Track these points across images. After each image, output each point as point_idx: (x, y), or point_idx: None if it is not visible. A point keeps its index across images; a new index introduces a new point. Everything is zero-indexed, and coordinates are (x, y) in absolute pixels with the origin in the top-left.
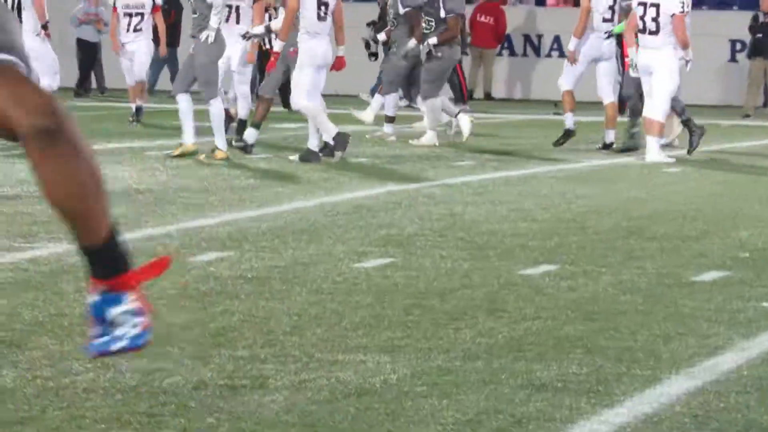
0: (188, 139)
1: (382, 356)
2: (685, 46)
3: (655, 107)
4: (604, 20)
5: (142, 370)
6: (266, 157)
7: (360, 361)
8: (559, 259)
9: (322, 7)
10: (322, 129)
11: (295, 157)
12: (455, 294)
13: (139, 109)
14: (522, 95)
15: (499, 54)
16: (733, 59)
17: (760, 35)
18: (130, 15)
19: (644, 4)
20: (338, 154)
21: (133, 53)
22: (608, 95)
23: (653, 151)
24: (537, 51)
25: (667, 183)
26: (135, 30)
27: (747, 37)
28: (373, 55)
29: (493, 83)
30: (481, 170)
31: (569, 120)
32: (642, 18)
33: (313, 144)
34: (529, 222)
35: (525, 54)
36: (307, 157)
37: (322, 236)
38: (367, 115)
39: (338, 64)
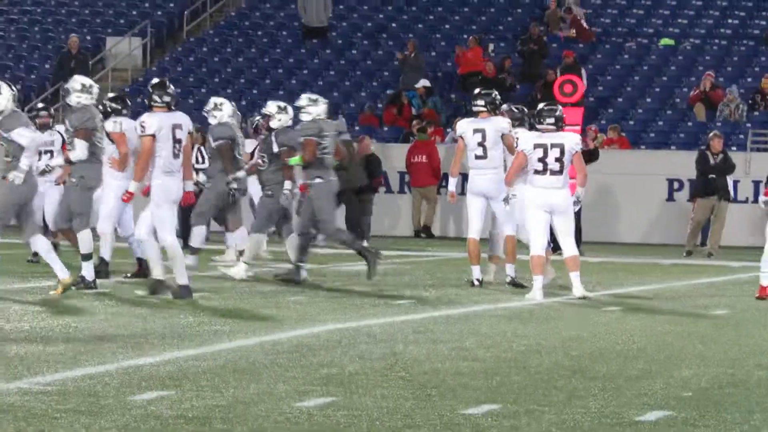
0: (62, 273)
1: None
2: (584, 182)
3: (571, 244)
4: (477, 157)
5: None
6: (204, 295)
7: None
8: (501, 399)
9: (176, 145)
10: (176, 271)
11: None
12: None
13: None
14: (456, 233)
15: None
16: (671, 198)
17: (712, 176)
18: (39, 153)
19: (543, 146)
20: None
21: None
22: (506, 229)
23: (579, 286)
24: None
25: (607, 322)
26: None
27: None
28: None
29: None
30: (421, 309)
31: (476, 272)
32: (542, 159)
33: (180, 278)
34: (470, 361)
35: (462, 192)
36: (180, 294)
37: (263, 375)
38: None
39: (186, 198)
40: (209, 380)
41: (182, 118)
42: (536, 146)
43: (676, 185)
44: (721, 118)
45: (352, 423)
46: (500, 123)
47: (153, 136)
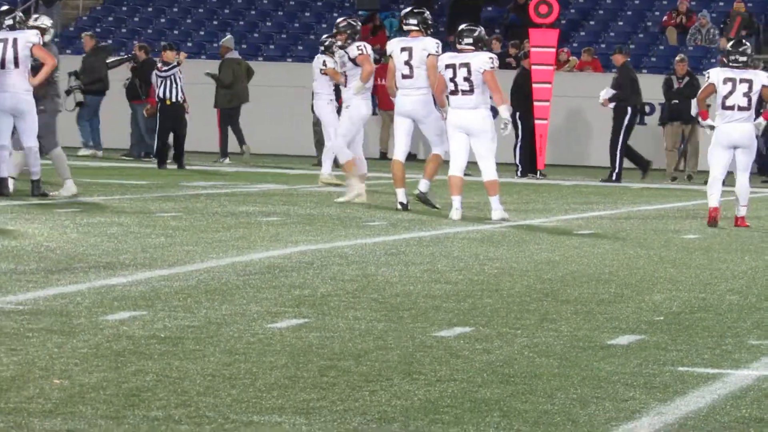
0: None
1: (298, 418)
2: (500, 101)
3: (489, 168)
4: (403, 76)
5: (55, 431)
6: (176, 215)
7: (275, 423)
8: (473, 321)
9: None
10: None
11: None
12: (370, 355)
13: None
14: (424, 155)
15: None
16: (641, 122)
17: (676, 101)
18: None
19: (452, 66)
20: None
21: None
22: (435, 149)
23: (498, 208)
24: None
25: (578, 245)
26: None
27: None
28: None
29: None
30: (393, 231)
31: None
32: (453, 80)
33: None
34: (442, 283)
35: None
36: None
37: (235, 296)
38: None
39: None
40: (181, 301)
41: None
42: (447, 66)
43: (647, 109)
44: (692, 41)
45: (324, 345)
46: (428, 43)
47: None
